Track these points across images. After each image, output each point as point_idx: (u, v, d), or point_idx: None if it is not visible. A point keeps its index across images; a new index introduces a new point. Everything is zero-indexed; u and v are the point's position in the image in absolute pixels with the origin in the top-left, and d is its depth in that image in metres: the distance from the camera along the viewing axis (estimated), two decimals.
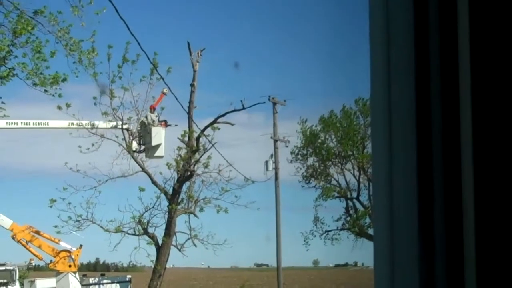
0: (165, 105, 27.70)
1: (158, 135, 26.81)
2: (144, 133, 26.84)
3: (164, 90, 26.37)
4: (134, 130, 26.82)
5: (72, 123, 26.58)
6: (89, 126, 26.26)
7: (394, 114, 1.64)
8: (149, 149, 26.83)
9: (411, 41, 1.63)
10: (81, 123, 26.46)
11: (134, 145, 26.74)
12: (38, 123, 27.82)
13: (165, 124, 27.19)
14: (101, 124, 26.26)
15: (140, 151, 26.95)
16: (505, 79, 1.56)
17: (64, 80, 20.74)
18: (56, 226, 27.45)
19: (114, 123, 26.30)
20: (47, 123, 27.60)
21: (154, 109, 26.89)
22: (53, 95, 20.95)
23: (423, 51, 1.62)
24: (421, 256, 1.57)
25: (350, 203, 37.76)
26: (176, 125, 27.54)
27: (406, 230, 1.59)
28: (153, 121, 26.77)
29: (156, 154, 26.89)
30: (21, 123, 27.57)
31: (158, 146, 26.81)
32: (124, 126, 26.47)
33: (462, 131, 1.58)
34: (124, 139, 26.45)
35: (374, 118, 1.71)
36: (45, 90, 20.55)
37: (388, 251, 1.60)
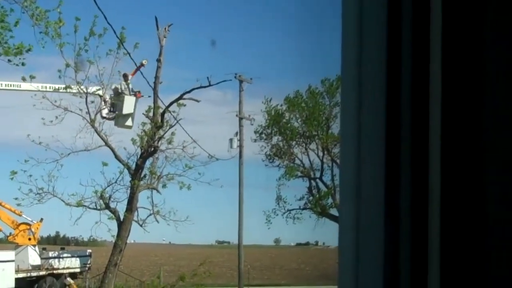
0: (131, 80, 27.50)
1: (130, 104, 26.61)
2: (116, 100, 26.61)
3: (143, 62, 26.25)
4: (107, 97, 26.56)
5: (45, 86, 26.23)
6: (64, 90, 25.95)
7: (364, 94, 1.64)
8: (119, 118, 26.63)
9: (384, 23, 1.62)
10: (54, 87, 26.16)
11: (105, 111, 26.50)
12: (10, 85, 27.33)
13: (139, 94, 26.99)
14: (75, 88, 25.90)
15: (109, 119, 26.74)
16: (473, 70, 1.57)
17: (28, 50, 20.47)
18: (16, 199, 27.20)
19: (92, 88, 25.98)
20: (19, 85, 27.13)
21: (130, 79, 26.69)
22: (17, 65, 20.69)
23: (396, 32, 1.62)
24: (387, 237, 1.58)
25: (313, 183, 37.95)
26: (149, 96, 27.36)
27: (373, 211, 1.59)
28: (127, 89, 26.55)
29: (126, 123, 26.73)
30: None
31: (128, 115, 26.64)
32: (99, 92, 26.18)
33: (431, 114, 1.58)
34: (88, 112, 26.22)
35: (344, 98, 1.71)
36: (9, 60, 20.26)
37: (354, 232, 1.61)
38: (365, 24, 1.65)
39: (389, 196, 1.59)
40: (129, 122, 26.82)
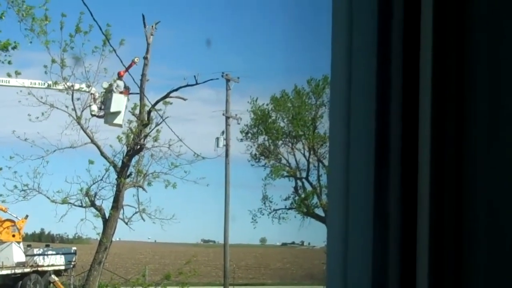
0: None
1: (118, 102, 26.45)
2: (106, 98, 26.48)
3: (135, 59, 26.15)
4: (97, 94, 26.44)
5: (34, 83, 26.11)
6: (53, 87, 25.80)
7: (353, 95, 1.64)
8: (108, 115, 26.49)
9: (374, 24, 1.62)
10: (43, 83, 26.03)
11: (95, 108, 26.36)
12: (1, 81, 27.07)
13: (128, 92, 26.79)
14: (61, 85, 25.74)
15: (99, 116, 26.63)
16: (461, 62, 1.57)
17: (14, 47, 20.36)
18: (1, 195, 27.09)
19: (81, 85, 25.86)
20: (8, 81, 26.90)
21: (121, 76, 26.54)
22: (3, 62, 20.58)
23: (386, 32, 1.61)
24: (375, 238, 1.57)
25: (299, 183, 38.00)
26: (136, 93, 27.21)
27: (361, 212, 1.59)
28: (117, 87, 26.40)
29: (115, 121, 26.58)
30: None
31: (117, 113, 26.48)
32: (86, 89, 26.07)
33: (421, 114, 1.58)
34: (74, 109, 26.13)
35: (333, 99, 1.70)
36: None
37: (342, 233, 1.60)
38: (355, 23, 1.64)
39: (378, 197, 1.58)
40: (117, 120, 26.67)
